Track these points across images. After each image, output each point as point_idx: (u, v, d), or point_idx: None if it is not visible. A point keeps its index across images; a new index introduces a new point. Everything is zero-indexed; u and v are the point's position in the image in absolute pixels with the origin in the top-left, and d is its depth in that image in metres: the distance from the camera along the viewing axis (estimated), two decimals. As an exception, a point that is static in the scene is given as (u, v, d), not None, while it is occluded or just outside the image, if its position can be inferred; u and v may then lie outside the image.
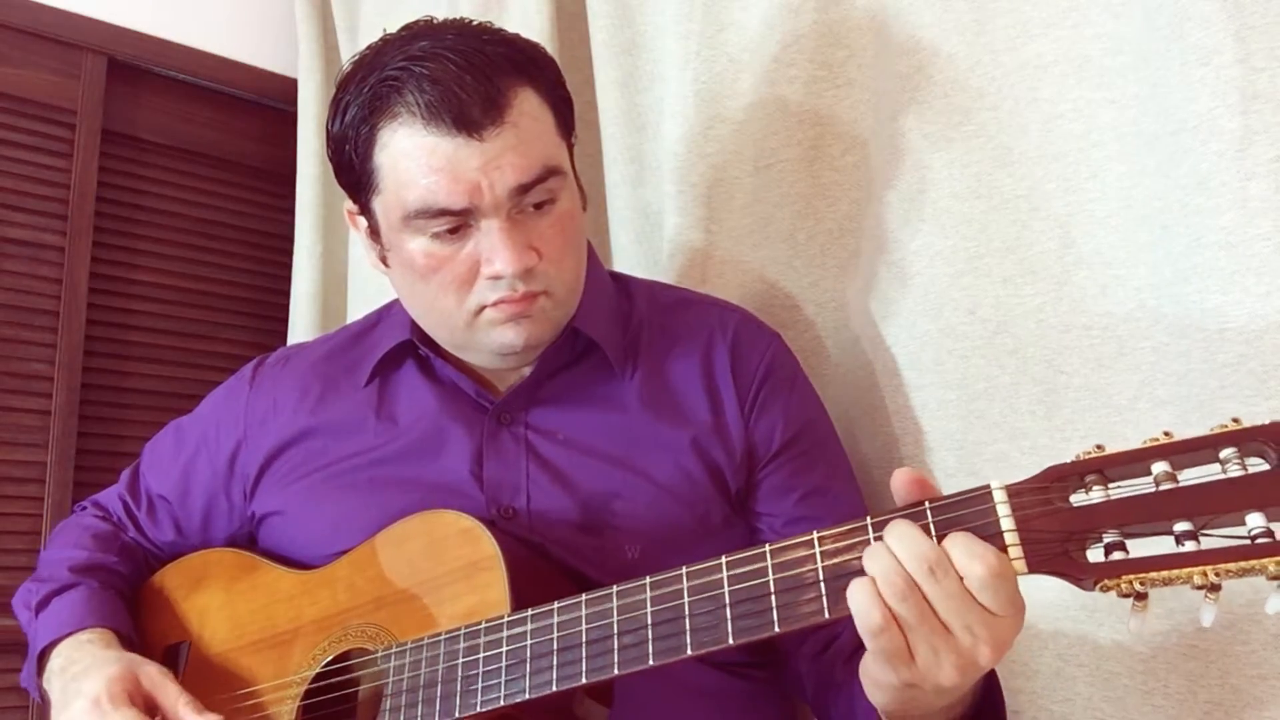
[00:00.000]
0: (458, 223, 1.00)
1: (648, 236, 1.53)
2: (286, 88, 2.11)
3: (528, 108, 1.01)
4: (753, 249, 1.38)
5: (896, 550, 0.76)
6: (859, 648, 0.80)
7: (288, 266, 2.05)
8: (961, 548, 0.74)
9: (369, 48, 1.06)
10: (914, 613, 0.75)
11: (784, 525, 1.11)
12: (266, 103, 2.14)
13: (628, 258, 1.53)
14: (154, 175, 2.01)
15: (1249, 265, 0.94)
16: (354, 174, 1.05)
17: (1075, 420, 1.09)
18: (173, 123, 2.03)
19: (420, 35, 1.02)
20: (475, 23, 1.05)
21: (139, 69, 1.98)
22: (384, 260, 1.10)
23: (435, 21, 1.05)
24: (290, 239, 2.06)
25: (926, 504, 0.78)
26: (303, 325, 1.97)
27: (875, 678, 0.80)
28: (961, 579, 0.74)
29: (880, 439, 1.26)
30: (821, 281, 1.36)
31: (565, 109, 1.08)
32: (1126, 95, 1.07)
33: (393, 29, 1.06)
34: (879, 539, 0.77)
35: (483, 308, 1.03)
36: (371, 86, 1.01)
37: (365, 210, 1.08)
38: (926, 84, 1.21)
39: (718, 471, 1.10)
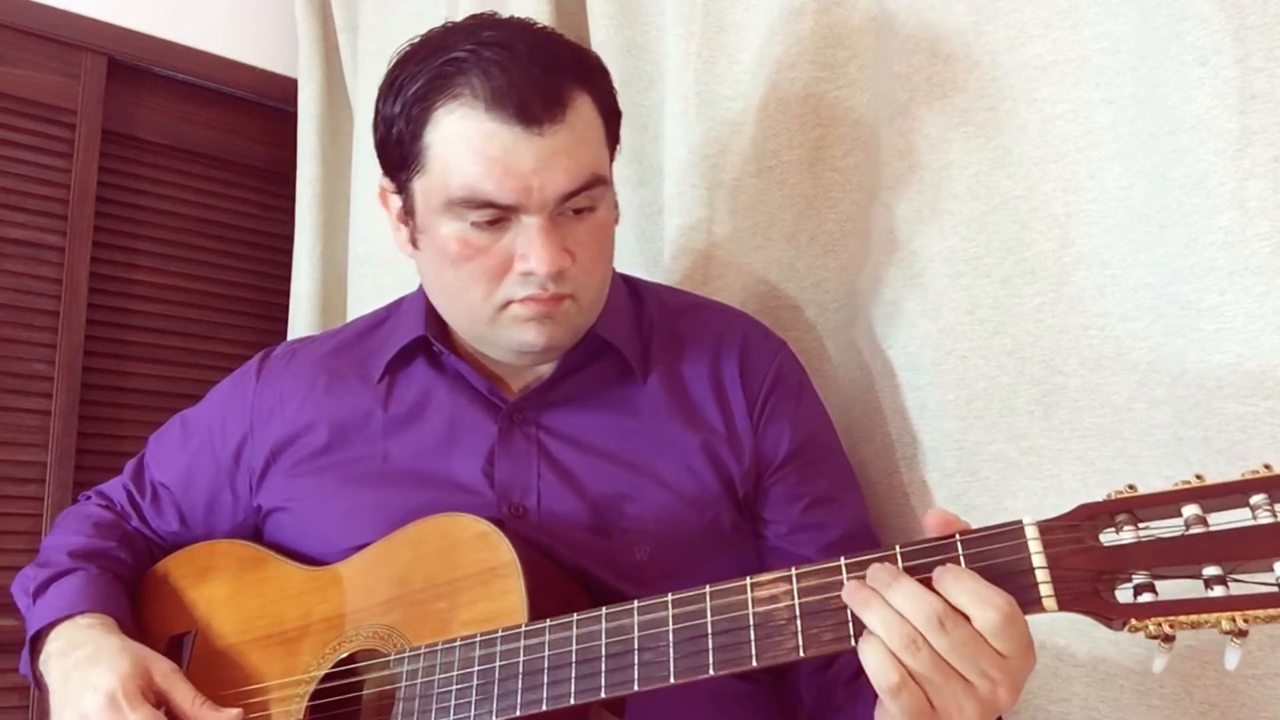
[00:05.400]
0: (499, 215, 1.00)
1: (649, 237, 1.53)
2: (286, 88, 2.11)
3: (584, 111, 1.02)
4: (754, 250, 1.38)
5: (901, 607, 0.76)
6: (860, 670, 0.80)
7: (288, 266, 2.05)
8: (970, 593, 0.75)
9: (431, 32, 1.06)
10: (927, 665, 0.75)
11: (789, 532, 1.12)
12: (266, 103, 2.14)
13: (629, 258, 1.53)
14: (154, 175, 2.01)
15: (1248, 265, 0.94)
16: (400, 151, 1.04)
17: (1073, 420, 1.09)
18: (173, 123, 2.04)
19: (488, 26, 1.03)
20: (540, 25, 1.06)
21: (139, 69, 1.99)
22: (414, 242, 1.09)
23: (501, 16, 1.07)
24: (290, 239, 2.06)
25: (957, 537, 0.78)
26: (303, 325, 1.97)
27: None
28: (971, 625, 0.75)
29: (880, 439, 1.27)
30: (823, 283, 1.36)
31: (615, 121, 1.09)
32: (1124, 95, 1.07)
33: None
34: (875, 590, 0.78)
35: (509, 303, 1.03)
36: (435, 67, 1.01)
37: (402, 190, 1.07)
38: (926, 85, 1.22)
39: (728, 477, 1.10)
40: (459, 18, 1.10)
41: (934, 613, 0.75)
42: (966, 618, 0.75)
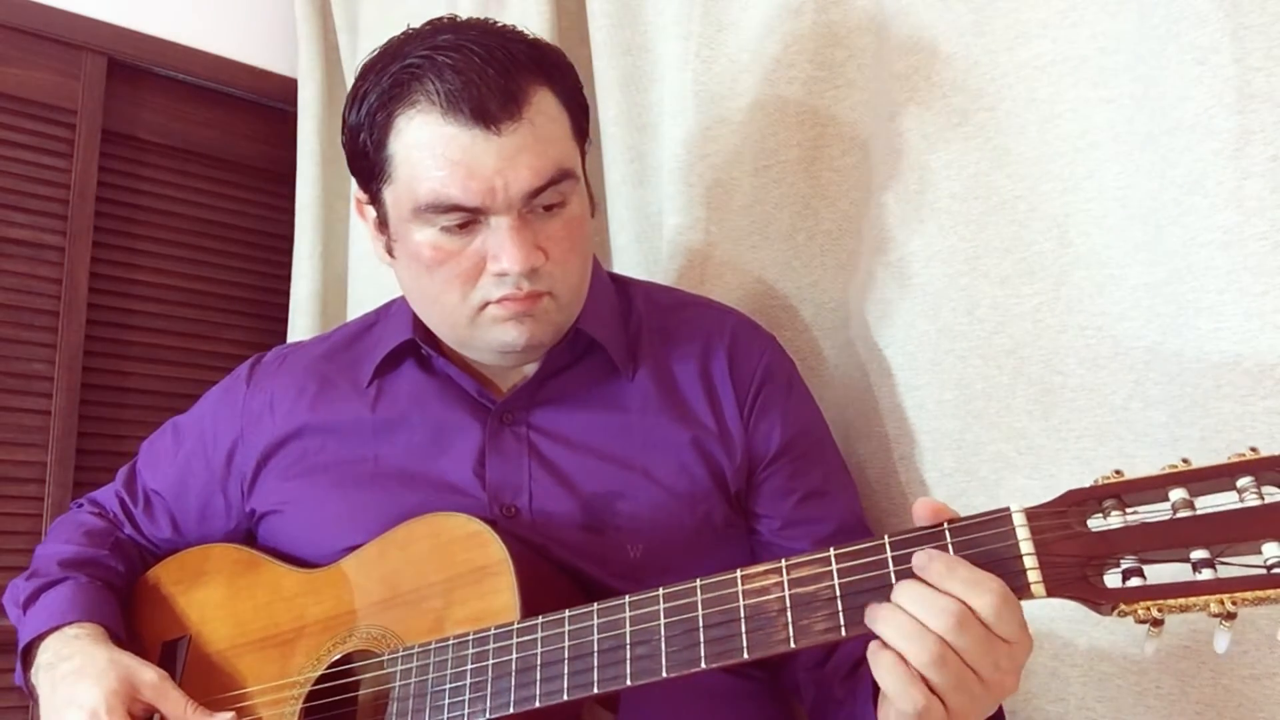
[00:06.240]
0: (468, 218, 1.00)
1: (648, 237, 1.53)
2: (286, 88, 2.11)
3: (545, 107, 1.01)
4: (752, 250, 1.38)
5: (917, 611, 0.75)
6: (858, 663, 0.80)
7: (288, 266, 2.05)
8: (963, 581, 0.75)
9: (392, 40, 1.06)
10: (953, 677, 0.75)
11: (782, 526, 1.12)
12: (266, 103, 2.14)
13: (628, 258, 1.53)
14: (154, 175, 2.01)
15: (1245, 264, 0.94)
16: (367, 161, 1.05)
17: (1072, 420, 1.09)
18: (173, 123, 2.03)
19: (444, 29, 1.03)
20: (499, 24, 1.05)
21: (139, 69, 1.99)
22: (390, 251, 1.09)
23: (459, 19, 1.06)
24: (290, 239, 2.06)
25: (945, 525, 0.78)
26: (302, 325, 1.97)
27: None
28: (983, 623, 0.74)
29: (877, 439, 1.26)
30: (820, 282, 1.36)
31: (581, 114, 1.08)
32: (1123, 95, 1.07)
33: (398, 28, 1.07)
34: (891, 602, 0.77)
35: (486, 304, 1.03)
36: (392, 74, 1.01)
37: (375, 199, 1.07)
38: (925, 85, 1.21)
39: (719, 472, 1.10)
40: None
41: (949, 611, 0.74)
42: (969, 609, 0.75)
